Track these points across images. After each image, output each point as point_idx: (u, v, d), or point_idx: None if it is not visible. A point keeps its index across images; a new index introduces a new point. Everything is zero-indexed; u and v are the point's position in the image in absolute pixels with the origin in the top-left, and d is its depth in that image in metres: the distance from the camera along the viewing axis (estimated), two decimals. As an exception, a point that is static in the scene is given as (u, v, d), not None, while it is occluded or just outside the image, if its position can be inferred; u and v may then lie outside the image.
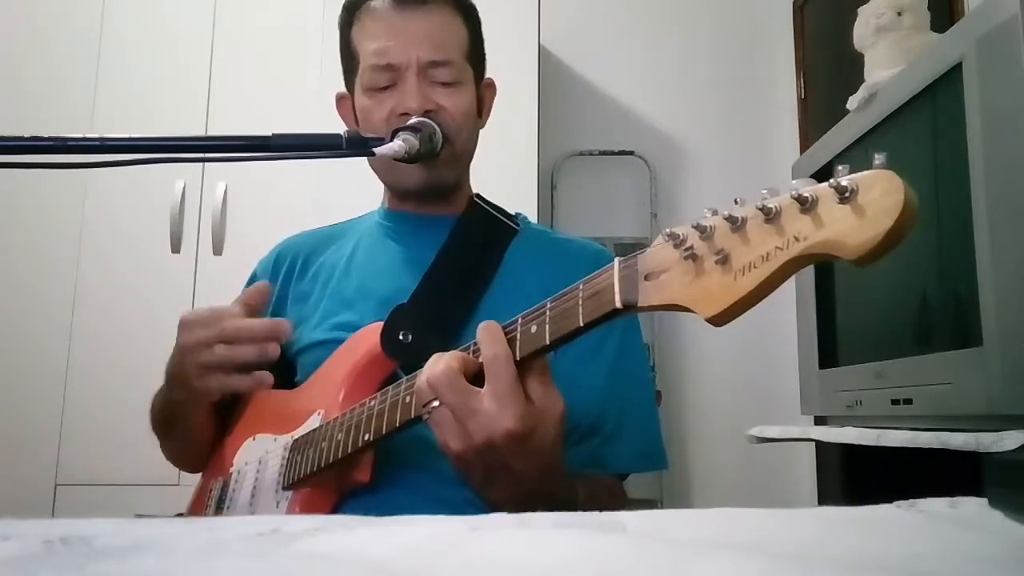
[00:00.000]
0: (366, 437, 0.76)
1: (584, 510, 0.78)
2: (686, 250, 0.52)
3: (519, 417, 0.63)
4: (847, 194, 0.44)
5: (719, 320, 0.50)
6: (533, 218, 1.13)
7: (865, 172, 0.44)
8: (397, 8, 0.96)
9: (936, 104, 1.21)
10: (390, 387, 0.76)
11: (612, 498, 0.91)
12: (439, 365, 0.66)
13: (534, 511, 0.68)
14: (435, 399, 0.66)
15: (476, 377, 0.66)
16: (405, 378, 0.75)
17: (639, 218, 2.58)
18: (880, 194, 0.43)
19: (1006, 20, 1.00)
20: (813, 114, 2.37)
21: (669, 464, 0.97)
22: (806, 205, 0.46)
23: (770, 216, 0.48)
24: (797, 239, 0.46)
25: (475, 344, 0.67)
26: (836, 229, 0.45)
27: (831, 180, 0.45)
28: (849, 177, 0.45)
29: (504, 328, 0.67)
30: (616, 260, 0.59)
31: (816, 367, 1.57)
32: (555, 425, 0.66)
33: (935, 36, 1.38)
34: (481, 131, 1.06)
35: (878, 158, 0.44)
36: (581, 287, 0.62)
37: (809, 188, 0.47)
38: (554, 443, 0.67)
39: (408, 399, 0.72)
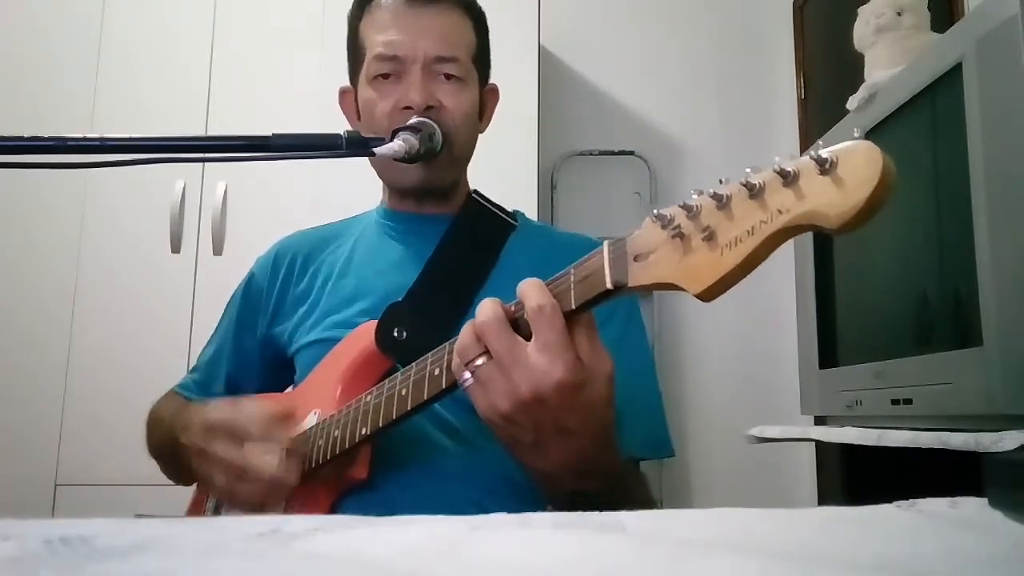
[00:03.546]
0: (363, 431, 0.76)
1: (629, 489, 0.78)
2: (674, 229, 0.54)
3: (569, 367, 0.60)
4: (827, 166, 0.45)
5: (707, 295, 0.51)
6: (533, 218, 1.13)
7: (845, 143, 0.46)
8: (408, 4, 0.97)
9: (936, 104, 1.21)
10: (385, 381, 0.77)
11: (645, 485, 0.90)
12: (485, 313, 0.63)
13: (586, 481, 0.67)
14: (479, 357, 0.63)
15: (520, 331, 0.63)
16: (400, 371, 0.75)
17: (639, 218, 2.57)
18: (859, 164, 0.44)
19: (1006, 20, 1.00)
20: (813, 114, 2.37)
21: (675, 451, 0.96)
22: (788, 178, 0.47)
23: (754, 191, 0.49)
24: (780, 212, 0.48)
25: (515, 303, 0.64)
26: (818, 200, 0.46)
27: (811, 152, 0.46)
28: (829, 149, 0.46)
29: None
30: (605, 243, 0.60)
31: (816, 367, 1.57)
32: (604, 382, 0.63)
33: (935, 36, 1.38)
34: (480, 133, 1.06)
35: (857, 132, 0.45)
36: (572, 271, 0.62)
37: (791, 162, 0.48)
38: (605, 402, 0.64)
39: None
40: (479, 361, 0.63)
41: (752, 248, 0.49)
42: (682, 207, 0.53)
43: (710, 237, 0.51)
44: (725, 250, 0.50)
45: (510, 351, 0.61)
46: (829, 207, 0.45)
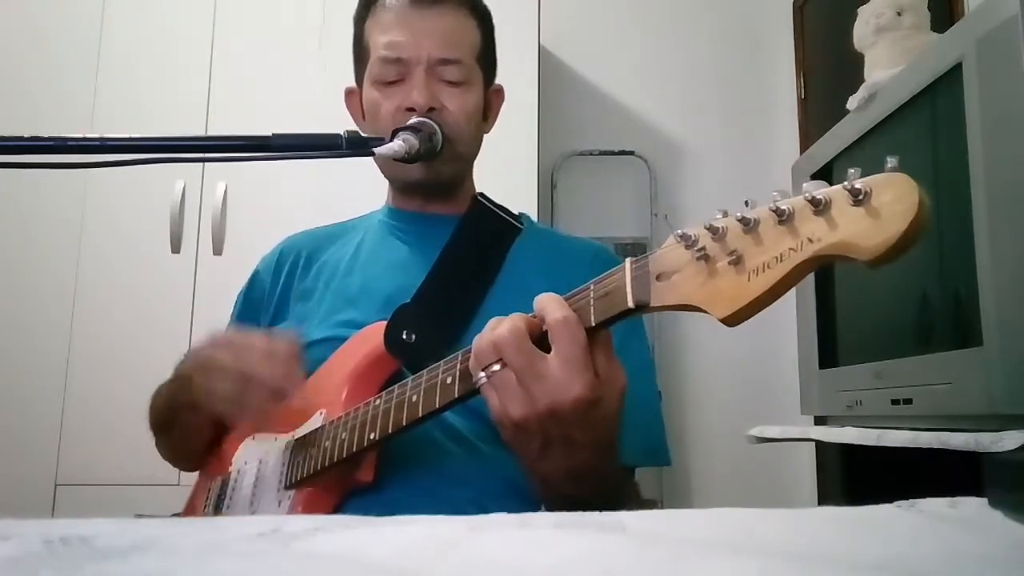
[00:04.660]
0: (372, 436, 0.76)
1: (623, 497, 0.78)
2: (698, 251, 0.53)
3: (588, 384, 0.60)
4: (861, 196, 0.45)
5: (733, 320, 0.51)
6: (533, 218, 1.13)
7: (878, 175, 0.45)
8: (413, 5, 0.97)
9: (936, 104, 1.21)
10: (395, 386, 0.76)
11: (637, 491, 0.90)
12: (503, 325, 0.63)
13: (582, 488, 0.68)
14: (496, 362, 0.63)
15: (538, 343, 0.63)
16: (411, 377, 0.75)
17: (639, 218, 2.58)
18: (894, 197, 0.43)
19: (1006, 20, 1.00)
20: (813, 114, 2.37)
21: (671, 460, 0.96)
22: (819, 207, 0.47)
23: (783, 218, 0.48)
24: (811, 240, 0.47)
25: (532, 316, 0.64)
26: (850, 231, 0.45)
27: (844, 182, 0.45)
28: (863, 180, 0.45)
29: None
30: (628, 260, 0.59)
31: (816, 367, 1.57)
32: (618, 398, 0.64)
33: (935, 36, 1.38)
34: (486, 134, 1.06)
35: (890, 161, 0.45)
36: (592, 287, 0.61)
37: (822, 190, 0.47)
38: (615, 416, 0.65)
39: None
40: (495, 367, 0.63)
41: (781, 275, 0.48)
42: (707, 228, 0.52)
43: (737, 261, 0.50)
44: (752, 275, 0.49)
45: (531, 366, 0.61)
46: (862, 239, 0.44)
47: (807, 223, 0.47)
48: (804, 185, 0.48)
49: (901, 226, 0.43)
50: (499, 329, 0.63)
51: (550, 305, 0.62)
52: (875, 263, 0.44)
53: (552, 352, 0.61)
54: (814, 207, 0.47)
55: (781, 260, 0.48)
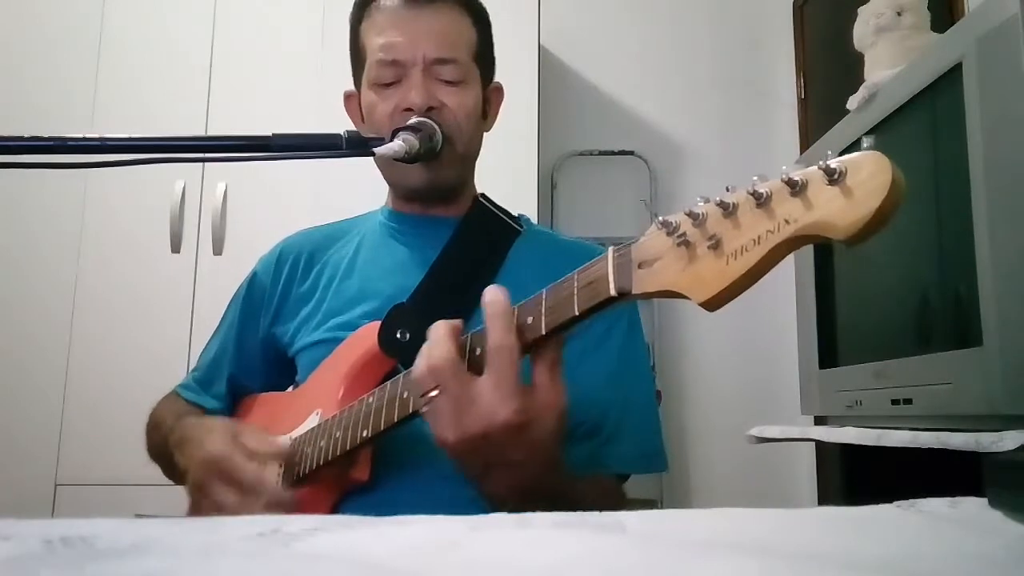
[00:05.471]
0: (364, 433, 0.76)
1: (583, 509, 0.78)
2: (679, 237, 0.53)
3: (517, 410, 0.62)
4: (836, 176, 0.45)
5: (712, 304, 0.51)
6: (533, 218, 1.12)
7: (854, 154, 0.45)
8: (407, 5, 0.96)
9: (936, 104, 1.21)
10: (387, 382, 0.76)
11: (611, 499, 0.90)
12: (440, 349, 0.65)
13: (534, 506, 0.68)
14: (435, 388, 0.65)
15: (472, 359, 0.65)
16: (403, 373, 0.75)
17: (639, 218, 2.58)
18: (868, 175, 0.44)
19: (1006, 20, 1.00)
20: (813, 114, 2.37)
21: (668, 465, 0.96)
22: (796, 188, 0.47)
23: (761, 200, 0.49)
24: (787, 222, 0.47)
25: (483, 329, 0.65)
26: (825, 211, 0.45)
27: (820, 162, 0.46)
28: (838, 159, 0.45)
29: None
30: (610, 249, 0.60)
31: (816, 367, 1.57)
32: (556, 418, 0.65)
33: (935, 36, 1.38)
34: (486, 132, 1.06)
35: (866, 141, 0.45)
36: (576, 277, 0.62)
37: (799, 171, 0.47)
38: (554, 435, 0.65)
39: (405, 395, 0.71)
40: (433, 393, 0.65)
41: (759, 257, 0.48)
42: (688, 214, 0.53)
43: (716, 245, 0.50)
44: (731, 259, 0.49)
45: (465, 392, 0.63)
46: (837, 217, 0.44)
47: (784, 204, 0.47)
48: (783, 167, 0.48)
49: (875, 204, 0.43)
50: (435, 354, 0.65)
51: (495, 325, 0.64)
52: (851, 241, 0.44)
53: (484, 375, 0.63)
54: (791, 188, 0.47)
55: (758, 243, 0.48)
